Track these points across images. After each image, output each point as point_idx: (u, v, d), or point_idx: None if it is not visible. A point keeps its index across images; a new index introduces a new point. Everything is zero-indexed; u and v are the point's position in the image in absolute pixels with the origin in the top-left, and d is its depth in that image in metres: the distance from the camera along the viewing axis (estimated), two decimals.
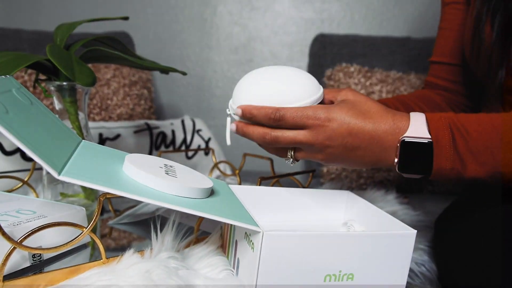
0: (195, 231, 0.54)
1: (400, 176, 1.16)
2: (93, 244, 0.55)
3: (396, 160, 0.52)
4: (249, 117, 0.54)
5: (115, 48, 0.70)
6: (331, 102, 0.57)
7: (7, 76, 0.46)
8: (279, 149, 0.57)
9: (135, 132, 1.02)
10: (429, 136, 0.51)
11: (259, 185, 0.64)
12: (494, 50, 0.66)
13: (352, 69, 1.24)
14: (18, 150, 0.81)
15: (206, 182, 0.50)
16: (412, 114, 0.53)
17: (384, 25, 1.49)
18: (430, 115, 0.53)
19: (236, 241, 0.49)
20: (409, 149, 0.51)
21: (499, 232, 0.56)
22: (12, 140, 0.36)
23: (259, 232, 0.42)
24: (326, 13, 1.49)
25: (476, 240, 0.59)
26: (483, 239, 0.57)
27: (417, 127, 0.51)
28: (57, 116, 0.67)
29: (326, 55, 1.33)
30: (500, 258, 0.53)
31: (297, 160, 0.56)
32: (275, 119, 0.52)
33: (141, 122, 1.06)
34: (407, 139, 0.51)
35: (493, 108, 0.73)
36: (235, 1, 1.50)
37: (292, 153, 0.55)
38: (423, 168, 0.52)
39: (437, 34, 0.86)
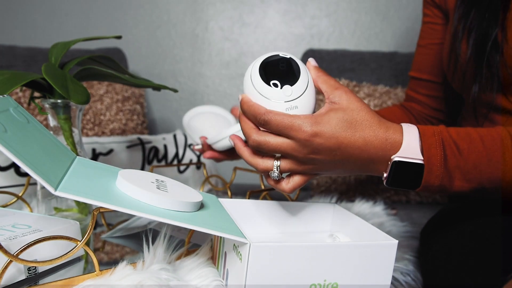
0: (186, 244, 0.56)
1: (389, 188, 1.18)
2: (86, 257, 0.56)
3: (385, 175, 0.52)
4: (242, 109, 0.52)
5: (109, 67, 0.72)
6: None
7: (5, 95, 0.48)
8: (265, 160, 0.53)
9: (128, 147, 1.04)
10: (421, 158, 0.51)
11: (249, 198, 0.66)
12: (468, 66, 0.68)
13: (340, 83, 1.27)
14: (12, 165, 0.83)
15: (196, 196, 0.52)
16: (405, 128, 0.52)
17: (372, 40, 1.53)
18: (423, 129, 0.52)
19: (225, 252, 0.50)
20: (400, 167, 0.51)
21: (482, 241, 0.59)
22: (11, 158, 0.38)
23: (247, 243, 0.44)
24: (316, 29, 1.53)
25: (459, 249, 0.61)
26: (467, 249, 0.59)
27: (409, 144, 0.51)
28: (52, 133, 0.68)
29: None
30: (483, 267, 0.55)
31: (281, 174, 0.54)
32: (260, 123, 0.50)
33: (134, 137, 1.08)
34: (398, 159, 0.50)
35: (468, 118, 0.76)
36: (226, 17, 1.54)
37: (278, 164, 0.53)
38: (411, 184, 0.52)
39: (416, 50, 0.90)
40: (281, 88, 0.50)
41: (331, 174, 0.55)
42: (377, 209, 0.88)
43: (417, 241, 0.78)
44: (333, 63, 1.36)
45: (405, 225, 0.83)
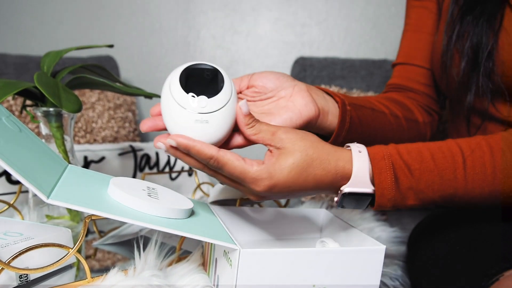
0: (177, 250, 0.56)
1: None
2: (78, 265, 0.57)
3: (336, 199, 0.52)
4: (186, 151, 0.47)
5: (101, 75, 0.73)
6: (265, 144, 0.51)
7: None
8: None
9: (120, 154, 1.04)
10: (371, 187, 0.51)
11: (239, 205, 0.67)
12: (464, 74, 0.67)
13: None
14: (3, 173, 0.83)
15: (187, 203, 0.52)
16: (354, 156, 0.51)
17: (362, 48, 1.54)
18: (373, 154, 0.52)
19: (216, 258, 0.51)
20: (350, 196, 0.51)
21: (466, 246, 0.60)
22: (4, 166, 0.38)
23: (237, 249, 0.45)
24: (306, 36, 1.55)
25: (444, 254, 0.62)
26: (452, 254, 0.61)
27: (359, 173, 0.50)
28: (43, 141, 0.69)
29: (307, 77, 1.38)
30: (467, 272, 0.56)
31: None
32: (213, 166, 0.46)
33: (126, 144, 1.09)
34: (348, 190, 0.50)
35: (460, 127, 0.77)
36: (218, 25, 1.55)
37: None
38: (362, 206, 0.53)
39: (403, 36, 0.84)
40: (196, 96, 0.46)
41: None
42: (367, 214, 0.89)
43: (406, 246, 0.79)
44: (324, 70, 1.38)
45: (394, 230, 0.84)
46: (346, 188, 0.50)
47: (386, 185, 0.51)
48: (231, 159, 0.46)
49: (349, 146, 0.53)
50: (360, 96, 0.74)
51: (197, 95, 0.46)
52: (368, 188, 0.51)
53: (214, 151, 0.45)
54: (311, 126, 0.59)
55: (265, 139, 0.49)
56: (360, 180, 0.50)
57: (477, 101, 0.68)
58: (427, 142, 0.55)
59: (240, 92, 0.59)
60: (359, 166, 0.50)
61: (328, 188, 0.51)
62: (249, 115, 0.49)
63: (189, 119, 0.46)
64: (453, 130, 0.80)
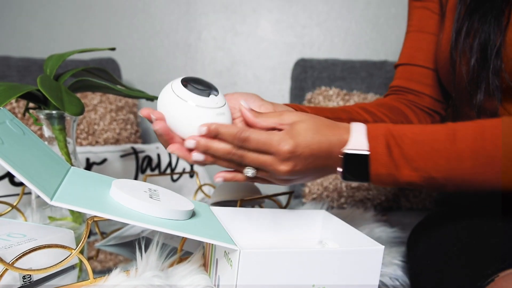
0: (178, 251, 0.57)
1: (379, 194, 1.20)
2: (80, 266, 0.57)
3: (340, 169, 0.55)
4: (215, 134, 0.52)
5: (103, 78, 0.74)
6: (273, 129, 0.55)
7: (1, 108, 0.49)
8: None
9: (122, 156, 1.05)
10: (367, 148, 0.55)
11: (240, 206, 0.68)
12: (474, 72, 0.66)
13: (331, 92, 1.29)
14: (6, 175, 0.84)
15: (188, 204, 0.53)
16: (353, 125, 0.56)
17: (362, 49, 1.55)
18: (370, 125, 0.56)
19: (217, 259, 0.52)
20: (350, 159, 0.55)
21: (464, 245, 0.60)
22: (9, 169, 0.39)
23: (237, 250, 0.45)
24: (307, 38, 1.55)
25: (442, 253, 0.62)
26: (451, 254, 0.61)
27: (357, 139, 0.55)
28: (46, 143, 0.70)
29: (307, 79, 1.38)
30: (465, 270, 0.57)
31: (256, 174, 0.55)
32: (240, 140, 0.51)
33: (127, 146, 1.10)
34: (347, 151, 0.54)
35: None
36: (219, 27, 1.56)
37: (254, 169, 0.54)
38: (362, 174, 0.56)
39: (406, 36, 0.84)
40: (208, 96, 0.53)
41: (297, 182, 0.58)
42: (368, 215, 0.89)
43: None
44: (324, 71, 1.39)
45: (394, 230, 0.85)
46: (346, 150, 0.54)
47: (380, 149, 0.54)
48: (255, 130, 0.52)
49: None
50: (342, 107, 0.77)
51: (208, 95, 0.54)
52: (364, 151, 0.55)
53: (239, 126, 0.52)
54: None
55: (276, 122, 0.54)
56: (358, 145, 0.55)
57: (486, 100, 0.67)
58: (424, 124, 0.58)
59: None
60: (356, 134, 0.55)
61: (336, 154, 0.55)
62: (252, 109, 0.56)
63: (212, 115, 0.53)
64: None
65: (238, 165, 0.54)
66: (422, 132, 0.55)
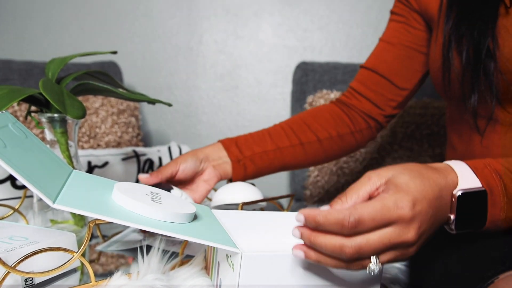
0: (180, 254, 0.57)
1: None
2: (82, 269, 0.57)
3: (452, 217, 0.49)
4: (315, 226, 0.42)
5: (105, 81, 0.74)
6: (370, 198, 0.47)
7: (3, 111, 0.49)
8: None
9: (123, 159, 1.05)
10: (481, 186, 0.49)
11: (241, 209, 0.68)
12: (465, 76, 0.67)
13: (332, 95, 1.29)
14: (8, 178, 0.84)
15: (190, 207, 0.53)
16: (453, 164, 0.50)
17: (363, 53, 1.55)
18: (473, 164, 0.50)
19: (219, 262, 0.52)
20: (465, 202, 0.48)
21: (465, 249, 0.60)
22: (11, 173, 0.39)
23: (238, 253, 0.45)
24: (308, 41, 1.56)
25: (444, 257, 0.62)
26: (451, 257, 0.61)
27: (465, 176, 0.49)
28: (48, 146, 0.70)
29: (308, 82, 1.38)
30: (466, 274, 0.57)
31: (382, 265, 0.44)
32: (351, 227, 0.41)
33: (129, 149, 1.10)
34: (462, 192, 0.48)
35: (464, 133, 0.76)
36: (220, 30, 1.56)
37: (376, 258, 0.43)
38: (478, 219, 0.50)
39: (378, 45, 0.89)
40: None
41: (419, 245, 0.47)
42: None
43: None
44: (325, 75, 1.39)
45: None
46: (459, 191, 0.48)
47: (497, 191, 0.49)
48: (363, 203, 0.42)
49: None
50: (278, 128, 0.86)
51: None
52: (481, 188, 0.48)
53: (345, 207, 0.43)
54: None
55: (360, 195, 0.46)
56: (470, 183, 0.49)
57: (481, 102, 0.68)
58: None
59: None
60: (462, 172, 0.49)
61: (445, 195, 0.48)
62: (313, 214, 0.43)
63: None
64: (453, 133, 0.81)
65: (351, 260, 0.43)
66: None
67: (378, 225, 0.42)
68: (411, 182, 0.45)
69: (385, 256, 0.44)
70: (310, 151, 0.86)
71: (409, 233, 0.43)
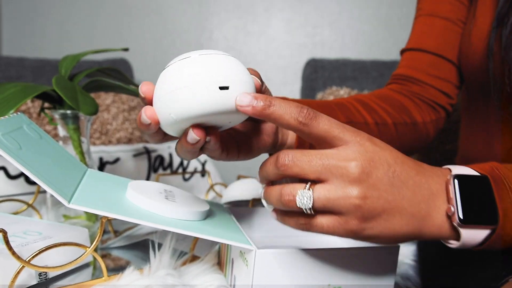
0: (190, 250, 0.57)
1: None
2: (94, 263, 0.58)
3: (452, 208, 0.39)
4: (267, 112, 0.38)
5: (116, 78, 0.74)
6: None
7: (18, 113, 0.50)
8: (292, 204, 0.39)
9: (134, 155, 1.06)
10: (479, 174, 0.41)
11: (252, 206, 0.68)
12: (504, 62, 0.61)
13: (342, 92, 1.29)
14: (22, 174, 0.85)
15: (203, 205, 0.53)
16: (450, 166, 0.43)
17: (373, 49, 1.54)
18: (473, 166, 0.43)
19: (233, 259, 0.52)
20: (466, 186, 0.40)
21: None
22: (27, 174, 0.40)
23: (252, 250, 0.46)
24: (318, 37, 1.55)
25: (456, 256, 0.62)
26: (463, 255, 0.61)
27: (462, 168, 0.42)
28: (61, 143, 0.71)
29: (318, 79, 1.38)
30: (479, 273, 0.56)
31: (315, 207, 0.38)
32: (306, 116, 0.37)
33: (140, 145, 1.10)
34: (457, 171, 0.41)
35: (491, 126, 0.71)
36: (231, 26, 1.56)
37: (309, 190, 0.38)
38: (487, 212, 0.40)
39: (417, 20, 0.78)
40: None
41: (383, 225, 0.39)
42: None
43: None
44: (335, 71, 1.38)
45: None
46: (455, 170, 0.41)
47: (499, 181, 0.41)
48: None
49: None
50: (336, 100, 0.67)
51: None
52: (481, 173, 0.41)
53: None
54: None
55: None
56: (467, 171, 0.41)
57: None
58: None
59: None
60: (458, 166, 0.43)
61: (432, 179, 0.40)
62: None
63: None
64: (468, 133, 0.79)
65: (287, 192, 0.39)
66: None
67: (326, 134, 0.38)
68: (372, 146, 0.38)
69: (320, 189, 0.37)
70: (385, 134, 0.70)
71: (356, 158, 0.37)
